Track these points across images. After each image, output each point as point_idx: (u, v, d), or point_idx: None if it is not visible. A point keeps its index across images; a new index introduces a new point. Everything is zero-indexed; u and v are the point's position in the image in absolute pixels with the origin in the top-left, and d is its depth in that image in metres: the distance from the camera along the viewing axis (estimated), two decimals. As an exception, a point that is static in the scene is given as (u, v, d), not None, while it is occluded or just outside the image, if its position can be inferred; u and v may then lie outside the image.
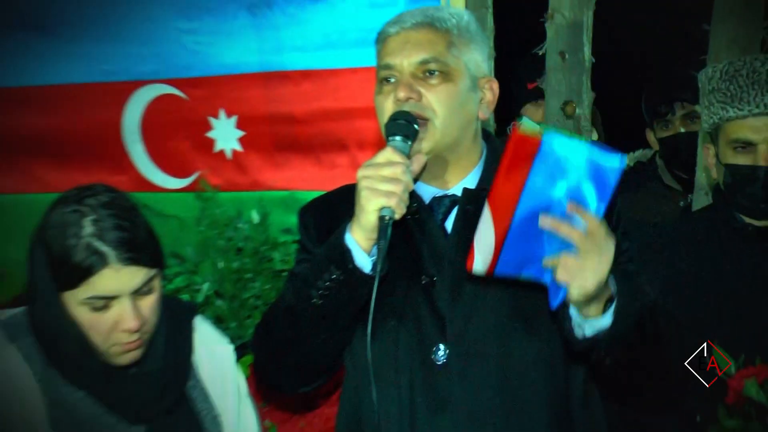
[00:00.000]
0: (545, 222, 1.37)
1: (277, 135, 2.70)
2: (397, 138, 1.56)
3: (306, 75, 2.66)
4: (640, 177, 3.27)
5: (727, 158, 2.11)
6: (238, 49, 2.68)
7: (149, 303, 1.66)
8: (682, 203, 3.07)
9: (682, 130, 3.14)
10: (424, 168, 1.68)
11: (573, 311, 1.43)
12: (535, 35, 2.92)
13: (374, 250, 1.56)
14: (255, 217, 2.64)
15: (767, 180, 2.06)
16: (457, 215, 1.72)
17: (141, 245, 1.63)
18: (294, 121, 2.66)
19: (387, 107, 1.64)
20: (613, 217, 1.64)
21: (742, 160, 2.09)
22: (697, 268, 2.11)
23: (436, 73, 1.64)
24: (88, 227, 1.58)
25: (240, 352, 2.16)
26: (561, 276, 1.39)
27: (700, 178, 2.88)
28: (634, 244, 1.75)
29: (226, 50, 2.69)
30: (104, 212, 1.61)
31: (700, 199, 2.86)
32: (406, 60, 1.64)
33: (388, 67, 1.67)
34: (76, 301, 1.62)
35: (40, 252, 1.65)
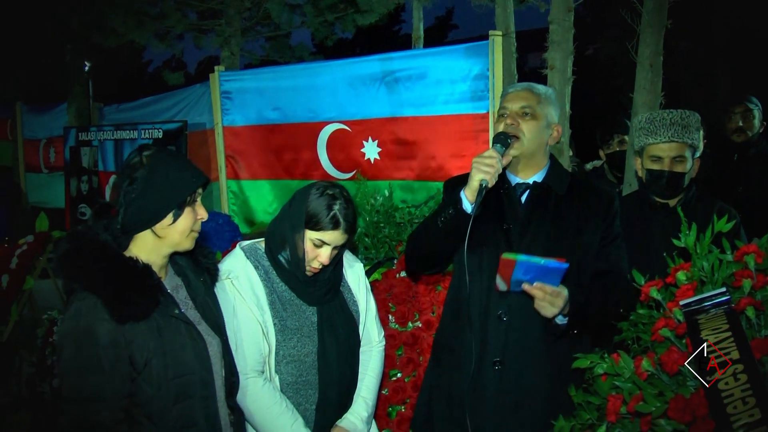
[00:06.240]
0: (525, 287, 1.82)
1: (398, 150, 3.54)
2: (497, 145, 1.94)
3: (415, 119, 3.43)
4: (596, 176, 4.21)
5: (647, 165, 2.55)
6: (378, 105, 3.50)
7: (335, 253, 1.96)
8: (617, 190, 3.76)
9: (618, 149, 4.05)
10: (510, 163, 2.01)
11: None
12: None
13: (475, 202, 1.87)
14: (385, 193, 3.23)
15: (669, 176, 2.48)
16: (528, 194, 2.09)
17: (354, 226, 1.94)
18: (407, 143, 3.50)
19: (499, 128, 2.05)
20: (614, 226, 2.06)
21: (655, 166, 2.52)
22: (627, 226, 2.30)
23: (529, 114, 2.04)
24: (338, 206, 1.91)
25: (375, 266, 2.96)
26: (536, 307, 1.83)
27: (628, 176, 3.74)
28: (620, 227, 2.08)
29: (372, 105, 3.51)
30: (347, 203, 1.93)
31: (627, 189, 3.71)
32: (514, 105, 2.06)
33: (504, 108, 2.09)
34: (309, 237, 1.93)
35: (301, 208, 1.93)
